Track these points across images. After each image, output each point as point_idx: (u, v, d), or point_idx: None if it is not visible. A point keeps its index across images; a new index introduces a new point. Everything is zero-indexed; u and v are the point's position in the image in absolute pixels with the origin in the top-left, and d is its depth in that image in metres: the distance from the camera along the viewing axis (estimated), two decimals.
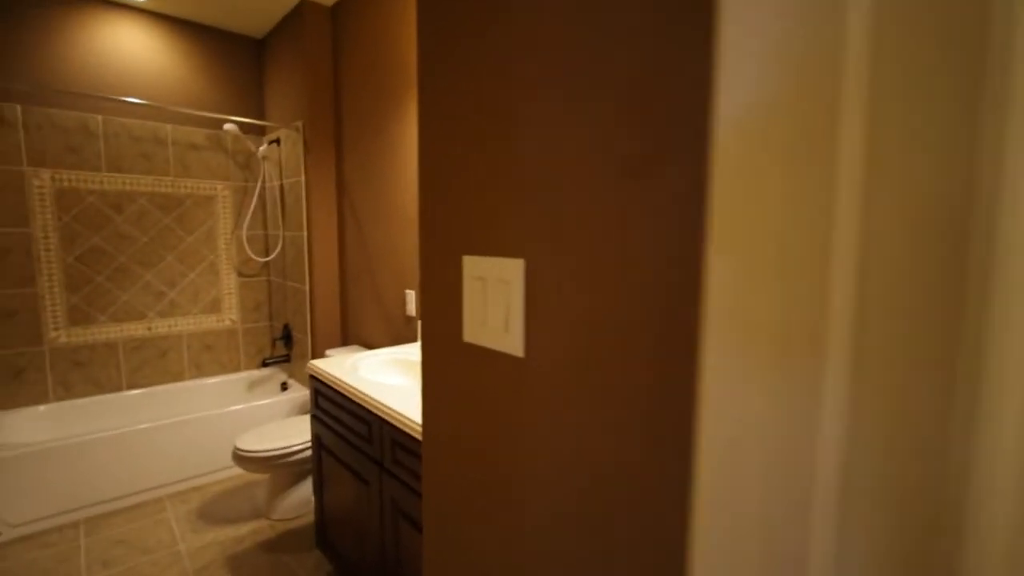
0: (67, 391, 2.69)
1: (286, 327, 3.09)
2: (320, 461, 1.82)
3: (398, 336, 2.34)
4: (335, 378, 1.62)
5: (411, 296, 2.20)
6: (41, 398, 2.62)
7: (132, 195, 2.78)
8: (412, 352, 1.96)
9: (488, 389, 0.59)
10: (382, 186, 2.35)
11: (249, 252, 3.04)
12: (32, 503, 2.16)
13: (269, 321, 3.35)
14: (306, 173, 2.69)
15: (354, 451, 1.56)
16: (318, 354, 2.82)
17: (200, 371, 3.11)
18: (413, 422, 1.25)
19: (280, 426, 2.34)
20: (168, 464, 2.50)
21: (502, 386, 0.57)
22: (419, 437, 1.22)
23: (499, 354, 0.57)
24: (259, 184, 3.04)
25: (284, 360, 3.15)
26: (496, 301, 0.56)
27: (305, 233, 2.74)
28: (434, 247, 0.65)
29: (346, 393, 1.55)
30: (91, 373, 2.74)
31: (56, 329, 2.63)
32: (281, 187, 3.01)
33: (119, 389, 2.84)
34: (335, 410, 1.66)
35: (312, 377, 1.80)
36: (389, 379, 1.85)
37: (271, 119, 3.08)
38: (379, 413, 1.38)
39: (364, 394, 1.46)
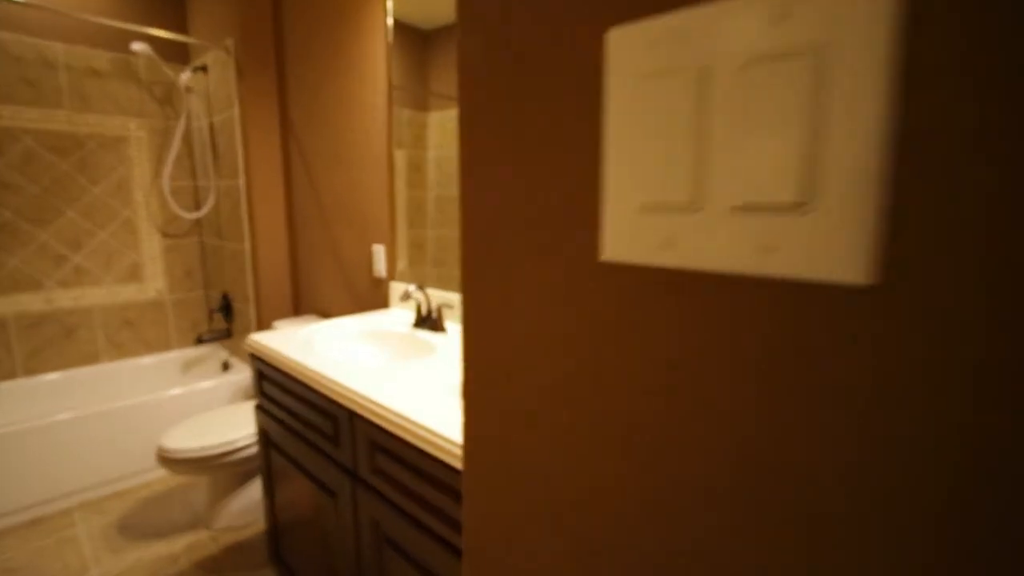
0: None
1: (224, 296, 2.60)
2: (269, 461, 1.42)
3: (363, 302, 1.92)
4: (284, 357, 1.21)
5: (380, 252, 1.78)
6: None
7: (13, 133, 2.18)
8: (385, 321, 1.56)
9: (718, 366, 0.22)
10: (340, 119, 1.88)
11: (174, 207, 2.50)
12: None
13: (204, 290, 2.83)
14: (241, 105, 2.17)
15: (314, 453, 1.17)
16: (264, 327, 2.36)
17: (120, 351, 2.58)
18: (406, 420, 0.86)
19: (219, 417, 1.90)
20: (79, 467, 2.02)
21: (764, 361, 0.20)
22: (414, 442, 0.84)
23: (752, 283, 0.19)
24: (182, 122, 2.47)
25: (224, 336, 2.66)
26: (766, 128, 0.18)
27: (242, 181, 2.24)
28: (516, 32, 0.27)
29: (300, 377, 1.14)
30: None
31: None
32: (211, 126, 2.46)
33: (12, 376, 2.30)
34: (286, 399, 1.25)
35: (253, 356, 1.37)
36: (359, 357, 1.45)
37: (195, 35, 2.50)
38: (350, 406, 0.99)
39: (327, 378, 1.06)
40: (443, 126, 1.65)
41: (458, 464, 0.76)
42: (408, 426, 0.84)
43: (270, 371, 1.30)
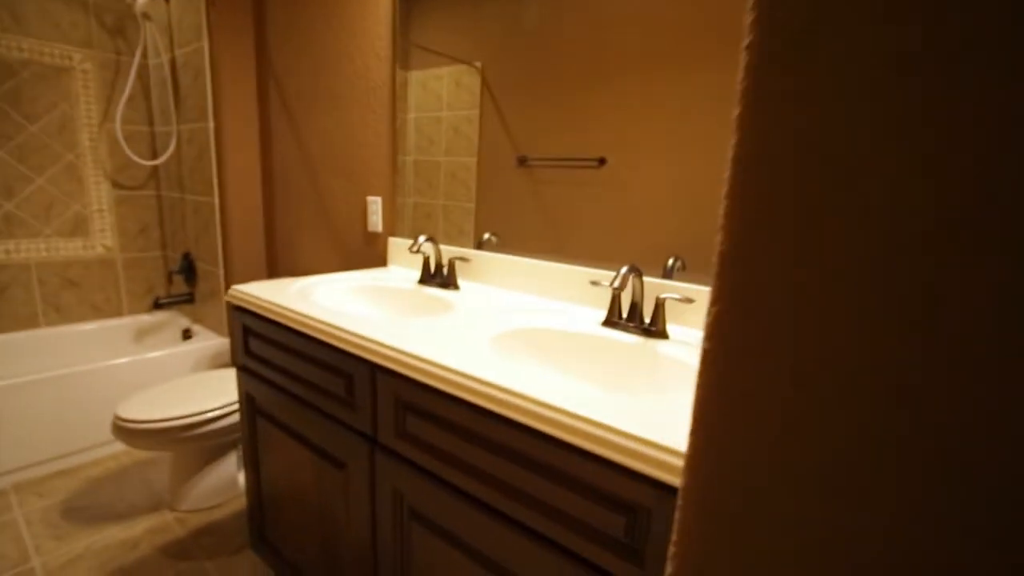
0: None
1: (186, 256, 2.33)
2: (254, 430, 1.24)
3: (354, 261, 1.73)
4: (281, 307, 1.03)
5: (376, 204, 1.59)
6: None
7: None
8: (385, 277, 1.39)
9: None
10: (332, 50, 1.67)
11: (128, 152, 2.20)
12: None
13: (162, 250, 2.54)
14: (211, 36, 1.90)
15: (319, 418, 1.00)
16: None
17: (61, 315, 2.28)
18: (452, 371, 0.71)
19: (184, 385, 1.68)
20: (14, 443, 1.75)
21: None
22: (465, 396, 0.69)
23: None
24: (137, 56, 2.16)
25: (186, 300, 2.39)
26: None
27: (211, 124, 1.98)
28: None
29: (305, 329, 0.97)
30: None
31: None
32: (172, 62, 2.17)
33: None
34: (280, 357, 1.07)
35: (237, 309, 1.18)
36: (363, 314, 1.28)
37: None
38: (375, 359, 0.83)
39: (343, 329, 0.89)
40: (425, 86, 1.48)
41: (541, 426, 0.62)
42: (466, 382, 0.70)
43: (260, 325, 1.11)
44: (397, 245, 1.55)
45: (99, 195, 2.31)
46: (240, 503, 1.71)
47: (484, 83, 1.33)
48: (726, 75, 0.92)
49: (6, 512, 1.62)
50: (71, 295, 2.29)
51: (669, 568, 0.29)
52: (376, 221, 1.60)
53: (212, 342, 2.20)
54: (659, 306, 0.94)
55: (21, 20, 2.01)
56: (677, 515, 0.28)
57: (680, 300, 0.92)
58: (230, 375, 1.78)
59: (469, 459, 0.73)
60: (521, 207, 1.29)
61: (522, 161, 1.28)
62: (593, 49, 1.10)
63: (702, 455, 0.26)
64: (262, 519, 1.28)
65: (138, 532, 1.56)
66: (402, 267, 1.55)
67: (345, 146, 1.68)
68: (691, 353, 0.85)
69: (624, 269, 0.92)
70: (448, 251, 1.39)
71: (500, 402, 0.66)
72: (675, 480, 0.52)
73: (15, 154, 2.07)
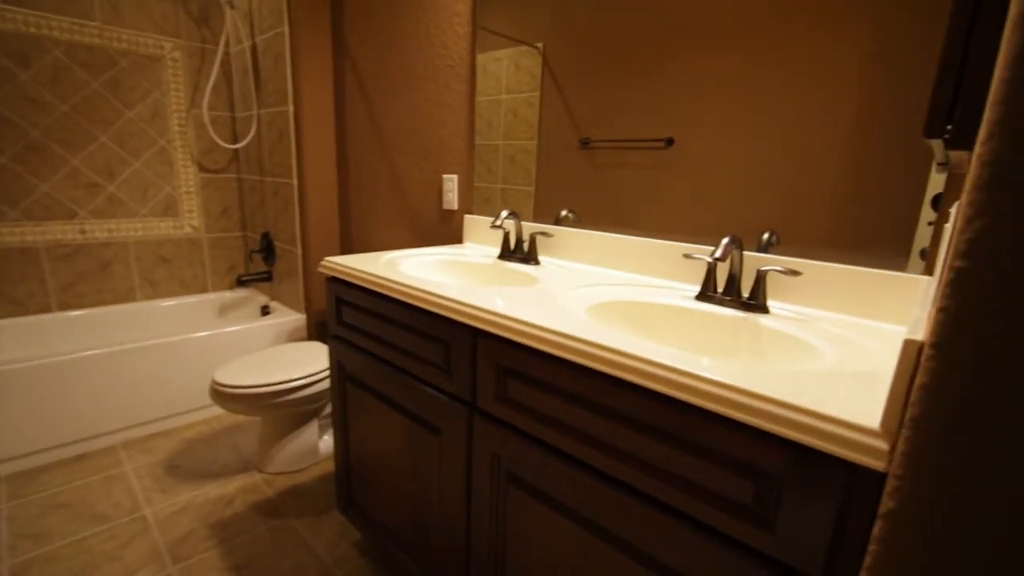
0: None
1: (265, 236, 2.45)
2: (344, 397, 1.29)
3: (428, 238, 1.77)
4: (378, 277, 1.06)
5: (452, 182, 1.62)
6: None
7: (41, 42, 2.00)
8: (464, 253, 1.41)
9: None
10: (410, 29, 1.69)
11: (214, 136, 2.33)
12: None
13: (242, 231, 2.68)
14: (291, 21, 1.97)
15: (414, 384, 1.04)
16: (312, 269, 2.22)
17: (156, 290, 2.46)
18: (564, 335, 0.72)
19: (272, 355, 1.78)
20: (122, 403, 1.92)
21: None
22: (579, 360, 0.70)
23: None
24: (222, 44, 2.27)
25: (264, 278, 2.53)
26: None
27: (291, 108, 2.06)
28: None
29: (402, 296, 1.00)
30: (4, 288, 2.07)
31: None
32: (253, 48, 2.27)
33: (47, 310, 2.18)
34: (374, 324, 1.12)
35: (333, 280, 1.23)
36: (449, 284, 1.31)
37: None
38: (476, 324, 0.84)
39: (442, 296, 0.92)
40: (484, 69, 1.47)
41: (660, 387, 0.62)
42: (579, 346, 0.70)
43: (353, 295, 1.16)
44: (472, 222, 1.57)
45: (187, 178, 2.46)
46: (321, 468, 1.81)
47: (545, 64, 1.32)
48: (799, 45, 0.87)
49: (118, 466, 1.78)
50: (163, 271, 2.46)
51: (889, 503, 0.28)
52: (452, 199, 1.63)
53: (289, 318, 2.31)
54: (760, 279, 0.91)
55: (120, 12, 2.15)
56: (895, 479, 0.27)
57: (784, 272, 0.89)
58: (311, 348, 1.86)
59: (577, 424, 0.74)
60: (583, 189, 1.28)
61: (584, 143, 1.26)
62: (659, 25, 1.07)
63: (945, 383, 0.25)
64: (350, 482, 1.35)
65: (231, 490, 1.68)
66: (478, 244, 1.57)
67: (420, 125, 1.71)
68: (799, 327, 0.82)
69: (726, 240, 0.89)
70: (529, 227, 1.40)
71: (616, 365, 0.66)
72: (815, 443, 0.50)
73: (115, 139, 2.23)
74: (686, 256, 1.01)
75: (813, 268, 0.91)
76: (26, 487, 1.65)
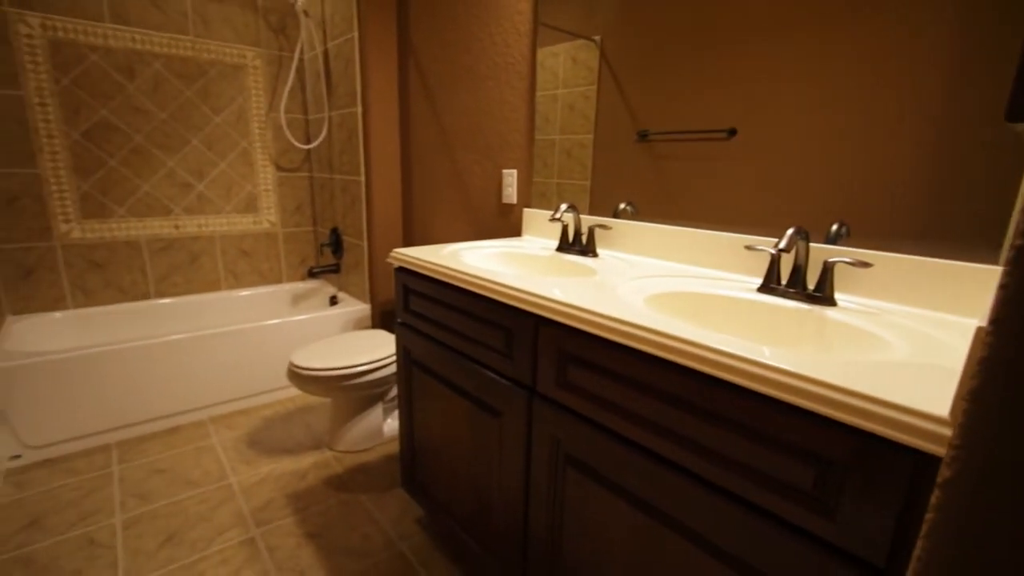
0: (87, 297, 2.28)
1: (334, 231, 2.60)
2: (409, 381, 1.37)
3: (487, 232, 1.83)
4: (443, 267, 1.13)
5: (511, 177, 1.66)
6: (58, 303, 2.22)
7: (144, 56, 2.22)
8: (523, 245, 1.45)
9: None
10: (473, 28, 1.75)
11: (290, 137, 2.50)
12: (55, 422, 1.80)
13: (313, 226, 2.86)
14: (360, 26, 2.09)
15: (475, 368, 1.09)
16: (377, 261, 2.34)
17: (237, 281, 2.67)
18: (625, 323, 0.74)
19: (342, 342, 1.90)
20: (209, 382, 2.11)
21: None
22: (640, 347, 0.72)
23: None
24: (298, 51, 2.43)
25: (333, 270, 2.68)
26: None
27: (359, 109, 2.18)
28: None
29: (466, 285, 1.05)
30: (113, 277, 2.32)
31: (67, 221, 2.18)
32: (326, 53, 2.41)
33: (147, 297, 2.43)
34: (438, 312, 1.18)
35: (401, 270, 1.31)
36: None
37: None
38: (539, 312, 0.88)
39: (505, 285, 0.96)
40: (541, 64, 1.49)
41: (722, 374, 0.63)
42: (641, 333, 0.73)
43: (419, 284, 1.23)
44: (531, 215, 1.61)
45: (265, 177, 2.65)
46: (385, 449, 1.92)
47: (603, 57, 1.33)
48: (866, 30, 0.83)
49: (206, 439, 1.97)
50: (244, 263, 2.67)
51: (946, 472, 0.29)
52: (511, 193, 1.67)
53: (355, 307, 2.45)
54: (827, 271, 0.89)
55: (210, 25, 2.35)
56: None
57: (853, 264, 0.87)
58: (376, 336, 1.97)
59: (635, 408, 0.76)
60: (640, 182, 1.28)
61: (642, 136, 1.26)
62: (722, 13, 1.05)
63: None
64: (413, 462, 1.43)
65: (305, 465, 1.81)
66: (536, 236, 1.61)
67: (481, 122, 1.76)
68: (869, 320, 0.80)
69: (791, 231, 0.88)
70: (587, 220, 1.42)
71: (676, 351, 0.67)
72: (881, 430, 0.50)
73: (205, 142, 2.44)
74: (748, 248, 1.00)
75: (886, 260, 0.88)
76: (132, 453, 1.86)
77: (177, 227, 2.44)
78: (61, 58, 2.05)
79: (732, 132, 1.09)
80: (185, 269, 2.50)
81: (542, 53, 1.48)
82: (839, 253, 0.94)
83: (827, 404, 0.54)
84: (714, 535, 0.68)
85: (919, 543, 0.31)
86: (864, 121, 0.90)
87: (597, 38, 1.33)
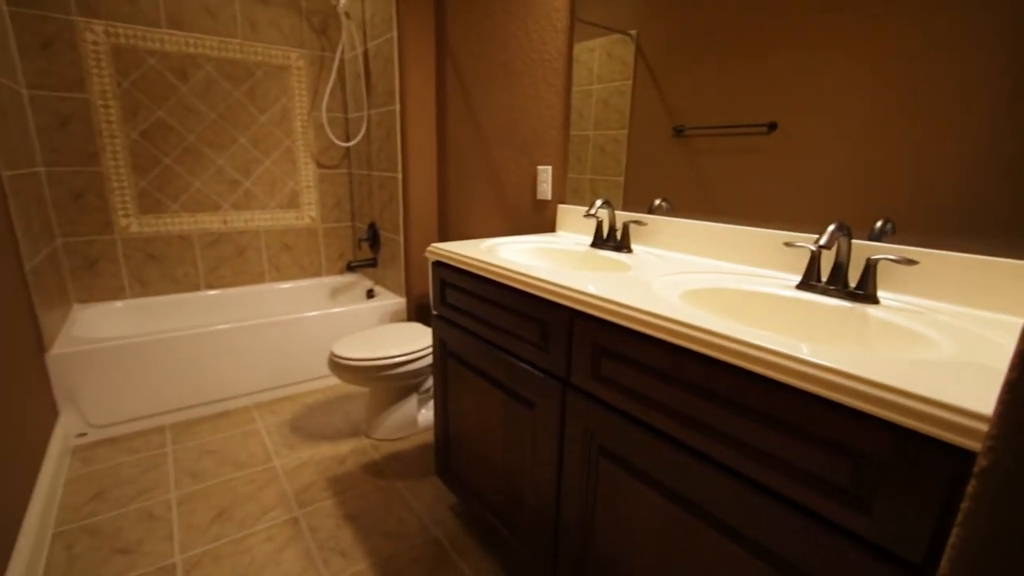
0: (144, 287, 2.42)
1: (372, 226, 2.68)
2: (445, 371, 1.41)
3: (521, 227, 1.85)
4: (479, 261, 1.16)
5: (546, 173, 1.68)
6: (118, 293, 2.37)
7: (196, 60, 2.34)
8: (557, 241, 1.47)
9: None
10: (508, 25, 1.77)
11: (331, 135, 2.58)
12: (116, 403, 1.93)
13: (351, 221, 2.95)
14: (399, 26, 2.13)
15: (509, 360, 1.12)
16: (413, 256, 2.40)
17: (280, 274, 2.78)
18: (660, 317, 0.76)
19: (380, 333, 1.96)
20: (254, 370, 2.21)
21: None
22: (674, 340, 0.73)
23: None
24: (338, 54, 2.51)
25: (370, 264, 2.76)
26: None
27: (397, 107, 2.23)
28: None
29: (502, 279, 1.08)
30: (167, 269, 2.46)
31: (126, 216, 2.32)
32: (366, 54, 2.48)
33: (197, 288, 2.56)
34: (474, 305, 1.21)
35: (437, 264, 1.35)
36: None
37: None
38: (573, 306, 0.90)
39: (541, 279, 0.98)
40: (576, 60, 1.49)
41: (758, 368, 0.64)
42: (675, 327, 0.74)
43: (456, 278, 1.27)
44: (565, 211, 1.62)
45: (307, 174, 2.75)
46: (419, 439, 1.97)
47: (639, 51, 1.32)
48: (918, 17, 0.80)
49: (252, 424, 2.07)
50: (287, 257, 2.78)
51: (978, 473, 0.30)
52: (546, 189, 1.69)
53: (391, 301, 2.52)
54: (870, 268, 0.88)
55: (257, 28, 2.45)
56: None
57: (898, 261, 0.85)
58: (412, 329, 2.03)
59: (669, 401, 0.77)
60: (676, 178, 1.27)
61: (678, 131, 1.26)
62: (762, 4, 1.03)
63: None
64: (448, 450, 1.47)
65: (344, 451, 1.89)
66: (570, 232, 1.62)
67: (517, 119, 1.79)
68: (913, 318, 0.78)
69: (832, 227, 0.87)
70: (622, 216, 1.42)
71: (711, 345, 0.68)
72: (922, 427, 0.50)
73: (251, 141, 2.55)
74: (787, 244, 0.99)
75: (933, 257, 0.86)
76: (184, 435, 1.97)
77: (225, 222, 2.56)
78: (122, 62, 2.18)
79: (773, 126, 1.08)
80: (232, 262, 2.63)
81: (577, 48, 1.49)
82: (883, 250, 0.92)
83: (867, 400, 0.54)
84: (747, 528, 0.69)
85: (954, 531, 0.32)
86: (913, 113, 0.88)
87: (633, 32, 1.33)
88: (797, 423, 0.62)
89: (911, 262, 0.84)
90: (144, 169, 2.32)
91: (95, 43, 2.12)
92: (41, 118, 2.07)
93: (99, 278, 2.31)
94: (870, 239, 0.95)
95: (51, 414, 1.76)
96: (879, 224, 0.95)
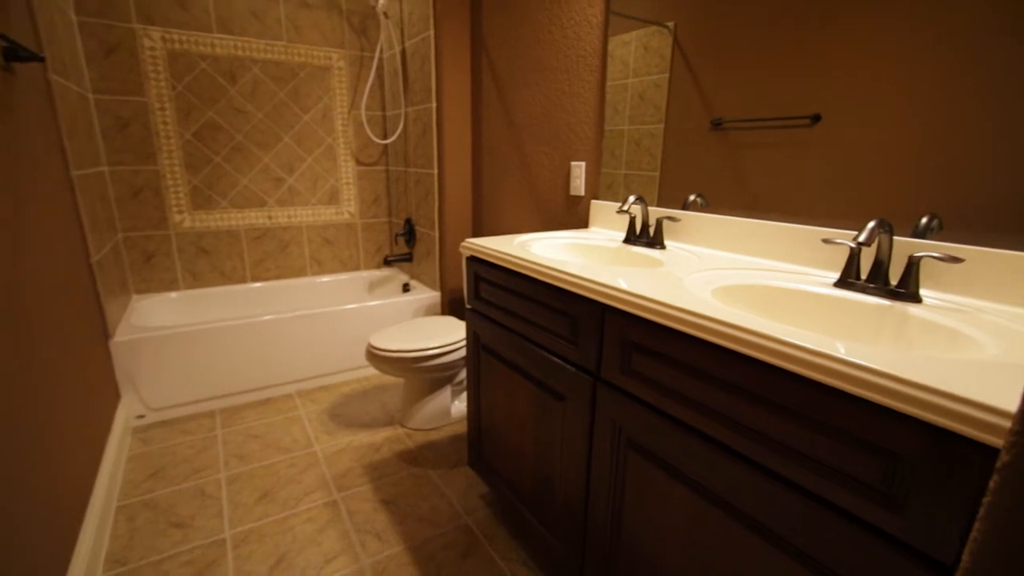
0: (196, 279, 2.56)
1: (408, 222, 2.74)
2: (478, 364, 1.45)
3: (554, 223, 1.86)
4: (512, 256, 1.18)
5: (579, 169, 1.68)
6: (172, 285, 2.51)
7: (244, 62, 2.44)
8: (590, 237, 1.47)
9: None
10: (543, 20, 1.78)
11: (369, 133, 2.66)
12: (171, 388, 2.05)
13: (388, 216, 3.03)
14: (436, 24, 2.17)
15: (541, 354, 1.14)
16: (448, 251, 2.45)
17: (321, 267, 2.89)
18: (690, 312, 0.76)
19: (416, 326, 2.02)
20: (296, 359, 2.31)
21: None
22: (704, 336, 0.74)
23: None
24: (377, 53, 2.58)
25: (406, 259, 2.83)
26: None
27: (434, 104, 2.28)
28: None
29: (535, 274, 1.10)
30: (216, 262, 2.59)
31: (180, 212, 2.46)
32: (403, 52, 2.53)
33: (244, 281, 2.68)
34: (507, 299, 1.24)
35: (472, 259, 1.38)
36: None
37: None
38: (604, 301, 0.92)
39: (572, 275, 1.00)
40: (611, 54, 1.47)
41: (790, 365, 0.64)
42: (705, 323, 0.74)
43: (490, 272, 1.29)
44: (598, 207, 1.62)
45: (347, 171, 2.84)
46: (452, 429, 2.02)
47: (676, 44, 1.30)
48: (974, 3, 0.77)
49: (294, 410, 2.17)
50: (327, 251, 2.88)
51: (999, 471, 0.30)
52: (579, 185, 1.70)
53: (426, 295, 2.58)
54: (912, 265, 0.85)
55: (300, 30, 2.54)
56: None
57: (942, 259, 0.82)
58: (446, 322, 2.08)
59: (698, 397, 0.78)
60: (712, 173, 1.25)
61: (716, 124, 1.24)
62: None
63: None
64: (480, 440, 1.51)
65: (380, 439, 1.95)
66: (603, 228, 1.62)
67: (551, 114, 1.80)
68: (956, 317, 0.76)
69: (872, 223, 0.85)
70: (655, 212, 1.42)
71: (741, 341, 0.69)
72: (957, 427, 0.50)
73: (295, 139, 2.65)
74: (825, 241, 0.97)
75: (981, 255, 0.83)
76: (232, 419, 2.08)
77: (270, 218, 2.68)
78: (177, 67, 2.31)
79: (816, 118, 1.05)
80: (276, 256, 2.74)
81: (612, 42, 1.49)
82: (926, 247, 0.89)
83: (903, 400, 0.54)
84: (776, 524, 0.69)
85: (976, 525, 0.32)
86: (967, 105, 0.85)
87: (671, 24, 1.32)
88: (828, 420, 0.61)
89: (956, 260, 0.81)
90: (196, 167, 2.45)
91: (152, 49, 2.25)
92: (104, 120, 2.21)
93: (155, 271, 2.46)
94: (914, 236, 0.93)
95: (114, 397, 1.89)
96: (924, 220, 0.92)
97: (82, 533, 1.27)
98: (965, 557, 0.33)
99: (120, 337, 1.92)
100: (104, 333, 1.85)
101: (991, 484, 0.32)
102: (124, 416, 1.92)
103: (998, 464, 0.31)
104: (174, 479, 1.69)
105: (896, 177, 0.94)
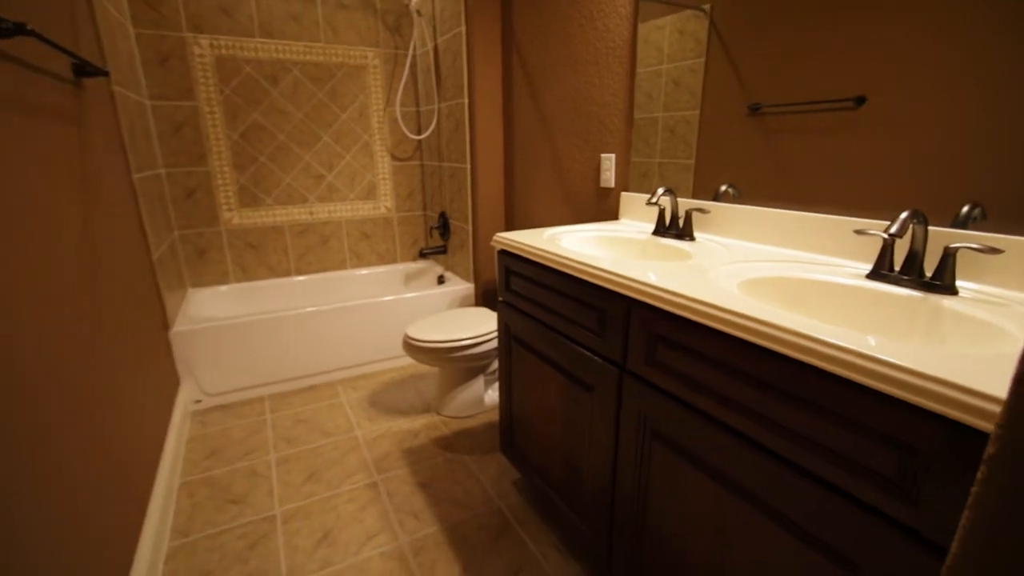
0: (244, 273, 2.71)
1: (442, 215, 2.80)
2: (510, 355, 1.49)
3: (584, 215, 1.88)
4: (541, 250, 1.21)
5: (610, 161, 1.69)
6: (223, 278, 2.67)
7: (285, 64, 2.54)
8: (619, 229, 1.48)
9: None
10: (570, 16, 1.78)
11: (404, 129, 2.73)
12: (225, 375, 2.20)
13: (423, 210, 3.10)
14: (467, 20, 2.20)
15: (569, 345, 1.17)
16: (481, 243, 2.49)
17: (359, 260, 2.99)
18: (714, 306, 0.78)
19: (451, 317, 2.08)
20: (337, 349, 2.42)
21: None
22: (727, 330, 0.75)
23: None
24: (411, 51, 2.63)
25: (440, 252, 2.90)
26: None
27: (466, 100, 2.32)
28: None
29: (563, 268, 1.13)
30: (263, 257, 2.73)
31: (229, 210, 2.60)
32: (436, 49, 2.58)
33: (288, 274, 2.82)
34: (537, 292, 1.27)
35: (503, 253, 1.42)
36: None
37: None
38: (630, 294, 0.94)
39: (599, 269, 1.02)
40: (645, 40, 1.45)
41: (810, 359, 0.65)
42: (729, 317, 0.76)
43: (520, 265, 1.33)
44: (628, 199, 1.63)
45: (383, 166, 2.92)
46: (486, 417, 2.08)
47: (712, 27, 1.28)
48: None
49: (335, 397, 2.28)
50: (365, 245, 2.98)
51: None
52: (609, 177, 1.70)
53: (460, 286, 2.64)
54: (948, 257, 0.83)
55: (337, 31, 2.62)
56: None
57: (980, 251, 0.80)
58: (480, 313, 2.13)
59: (721, 389, 0.79)
60: (749, 160, 1.24)
61: (754, 109, 1.21)
62: None
63: None
64: (512, 428, 1.55)
65: (417, 426, 2.04)
66: (633, 220, 1.63)
67: (581, 107, 1.80)
68: (992, 310, 0.74)
69: (904, 214, 0.84)
70: (685, 203, 1.42)
71: (767, 337, 0.70)
72: (977, 423, 0.50)
73: (333, 137, 2.75)
74: (858, 232, 0.96)
75: (1020, 245, 0.81)
76: (280, 405, 2.21)
77: (311, 213, 2.79)
78: (224, 71, 2.43)
79: (861, 100, 1.02)
80: (317, 250, 2.86)
81: (645, 27, 1.47)
82: (963, 238, 0.87)
83: (929, 396, 0.54)
84: (796, 515, 0.71)
85: (965, 513, 0.34)
86: (1019, 86, 0.82)
87: (707, 6, 1.29)
88: (850, 414, 0.62)
89: (995, 251, 0.79)
90: (243, 167, 2.58)
91: (201, 56, 2.37)
92: (160, 125, 2.36)
93: (207, 265, 2.62)
94: (955, 225, 0.90)
95: (174, 383, 2.04)
96: (966, 209, 0.90)
97: (151, 506, 1.40)
98: (954, 544, 0.35)
99: (178, 327, 2.07)
100: (164, 324, 2.00)
101: (978, 475, 0.33)
102: (183, 401, 2.07)
103: (985, 455, 0.33)
104: (229, 459, 1.82)
105: (942, 162, 0.91)
